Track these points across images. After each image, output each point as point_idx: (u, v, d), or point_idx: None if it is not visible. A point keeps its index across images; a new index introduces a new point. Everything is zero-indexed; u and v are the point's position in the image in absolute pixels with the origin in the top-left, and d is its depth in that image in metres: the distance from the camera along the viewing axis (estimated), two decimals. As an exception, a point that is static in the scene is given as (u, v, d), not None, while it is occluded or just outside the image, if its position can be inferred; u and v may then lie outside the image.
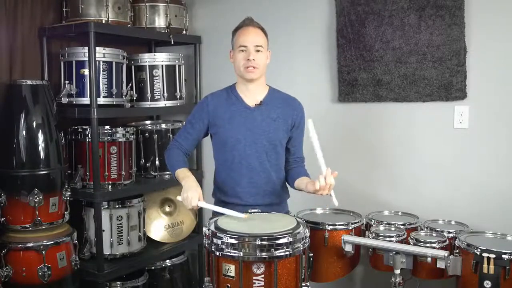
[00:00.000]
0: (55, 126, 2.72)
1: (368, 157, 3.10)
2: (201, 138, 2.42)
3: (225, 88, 2.40)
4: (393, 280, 2.40)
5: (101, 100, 2.96)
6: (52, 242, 2.65)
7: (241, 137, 2.29)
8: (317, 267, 2.60)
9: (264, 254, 1.82)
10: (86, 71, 2.93)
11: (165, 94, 3.31)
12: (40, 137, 2.65)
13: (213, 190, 2.43)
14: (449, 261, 2.29)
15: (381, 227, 2.67)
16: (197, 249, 3.71)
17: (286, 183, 2.44)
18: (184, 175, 2.22)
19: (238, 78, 2.35)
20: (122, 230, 3.05)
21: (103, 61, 2.97)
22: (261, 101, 2.32)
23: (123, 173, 3.05)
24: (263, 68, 2.29)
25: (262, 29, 2.31)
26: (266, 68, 2.32)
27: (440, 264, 2.31)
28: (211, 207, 2.19)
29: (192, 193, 2.10)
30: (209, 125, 2.35)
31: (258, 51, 2.25)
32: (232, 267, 1.85)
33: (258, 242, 1.81)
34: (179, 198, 2.15)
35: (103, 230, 2.94)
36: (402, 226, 2.67)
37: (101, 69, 2.97)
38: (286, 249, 1.84)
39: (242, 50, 2.25)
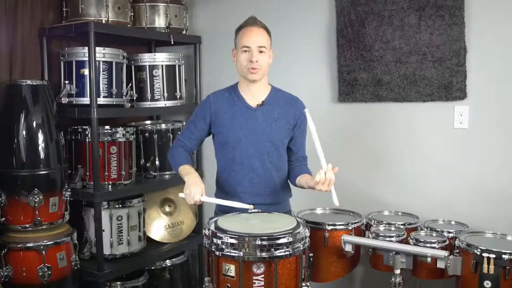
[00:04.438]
0: (55, 126, 2.72)
1: (368, 157, 3.10)
2: (204, 137, 2.42)
3: (227, 88, 2.40)
4: (393, 280, 2.40)
5: (101, 100, 2.96)
6: (52, 242, 2.65)
7: (242, 137, 2.29)
8: (317, 267, 2.60)
9: (264, 254, 1.82)
10: (86, 71, 2.93)
11: (165, 94, 3.31)
12: (40, 137, 2.65)
13: (215, 190, 2.43)
14: (449, 261, 2.29)
15: (381, 227, 2.67)
16: (197, 249, 3.71)
17: (288, 182, 2.43)
18: (187, 171, 2.22)
19: (240, 77, 2.35)
20: (122, 230, 3.05)
21: (103, 61, 2.97)
22: (262, 101, 2.32)
23: (123, 173, 3.06)
24: (265, 69, 2.28)
25: (266, 29, 2.30)
26: (268, 68, 2.32)
27: (440, 264, 2.31)
28: (214, 200, 2.19)
29: (195, 189, 2.10)
30: (211, 125, 2.35)
31: (261, 51, 2.24)
32: (232, 267, 1.85)
33: (258, 242, 1.81)
34: (181, 195, 2.15)
35: (103, 230, 2.94)
36: (402, 226, 2.67)
37: (101, 69, 2.97)
38: (286, 249, 1.84)
39: (245, 51, 2.24)
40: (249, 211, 2.16)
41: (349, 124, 3.15)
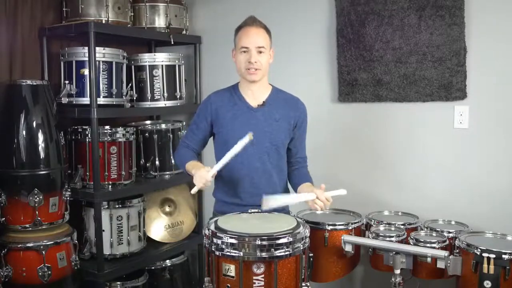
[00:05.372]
0: (55, 126, 2.72)
1: (368, 157, 3.10)
2: (207, 138, 2.41)
3: (228, 88, 2.40)
4: (393, 280, 2.40)
5: (101, 100, 2.96)
6: (52, 242, 2.65)
7: (243, 137, 2.28)
8: (317, 267, 2.60)
9: (264, 254, 1.82)
10: (86, 71, 2.93)
11: (165, 94, 3.30)
12: (40, 137, 2.65)
13: (213, 190, 2.43)
14: (449, 261, 2.29)
15: (381, 227, 2.67)
16: (197, 249, 3.71)
17: (288, 183, 2.44)
18: (193, 166, 2.23)
19: (241, 78, 2.34)
20: (122, 230, 3.05)
21: (103, 61, 2.97)
22: (263, 102, 2.32)
23: (123, 173, 3.05)
24: (265, 69, 2.28)
25: (265, 28, 2.29)
26: (268, 67, 2.31)
27: (440, 264, 2.31)
28: (222, 162, 2.14)
29: (201, 172, 2.10)
30: (212, 124, 2.35)
31: (260, 52, 2.23)
32: (232, 267, 1.85)
33: (258, 242, 1.82)
34: (193, 191, 2.13)
35: (103, 230, 2.94)
36: (402, 226, 2.67)
37: (101, 69, 2.97)
38: (286, 249, 1.85)
39: (244, 51, 2.24)
40: (249, 210, 2.16)
41: (349, 124, 3.15)
